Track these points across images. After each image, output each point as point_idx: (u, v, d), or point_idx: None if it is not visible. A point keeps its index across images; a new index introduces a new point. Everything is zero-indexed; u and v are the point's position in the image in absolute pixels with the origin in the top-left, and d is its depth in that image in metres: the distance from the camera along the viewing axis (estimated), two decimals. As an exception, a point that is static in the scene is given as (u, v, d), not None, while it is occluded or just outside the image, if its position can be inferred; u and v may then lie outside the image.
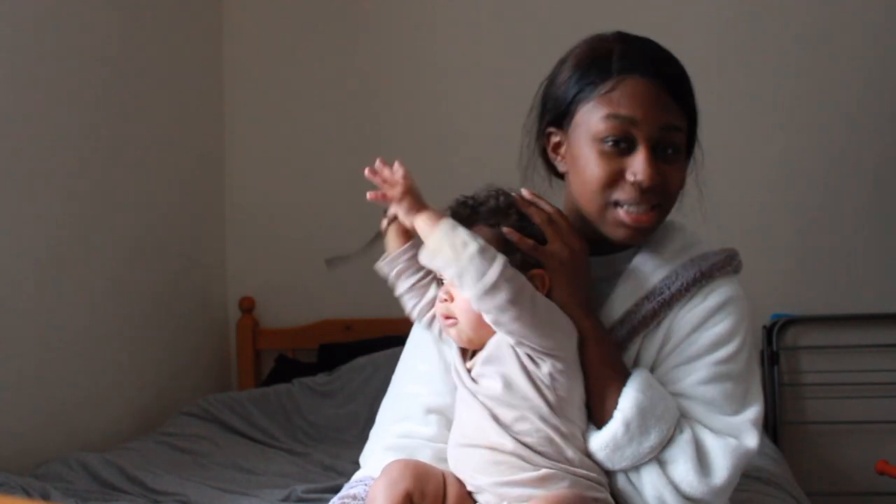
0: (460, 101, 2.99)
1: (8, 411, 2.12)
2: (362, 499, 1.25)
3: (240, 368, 3.10)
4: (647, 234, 1.30)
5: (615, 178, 1.26)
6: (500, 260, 1.15)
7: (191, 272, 2.97)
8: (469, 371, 1.23)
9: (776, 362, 2.78)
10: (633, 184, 1.25)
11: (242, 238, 3.17)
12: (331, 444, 2.50)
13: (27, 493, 1.83)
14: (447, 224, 1.18)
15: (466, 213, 1.24)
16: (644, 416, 1.19)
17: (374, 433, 1.40)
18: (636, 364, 1.28)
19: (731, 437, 1.23)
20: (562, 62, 1.36)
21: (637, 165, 1.24)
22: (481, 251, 1.14)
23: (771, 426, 2.73)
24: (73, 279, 2.37)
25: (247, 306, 3.09)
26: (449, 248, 1.15)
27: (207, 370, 3.04)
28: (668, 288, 1.29)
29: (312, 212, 3.11)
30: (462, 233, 1.16)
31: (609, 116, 1.25)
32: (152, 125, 2.76)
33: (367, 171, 1.25)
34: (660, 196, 1.27)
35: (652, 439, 1.19)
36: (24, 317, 2.19)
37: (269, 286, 3.14)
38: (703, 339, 1.27)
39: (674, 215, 1.36)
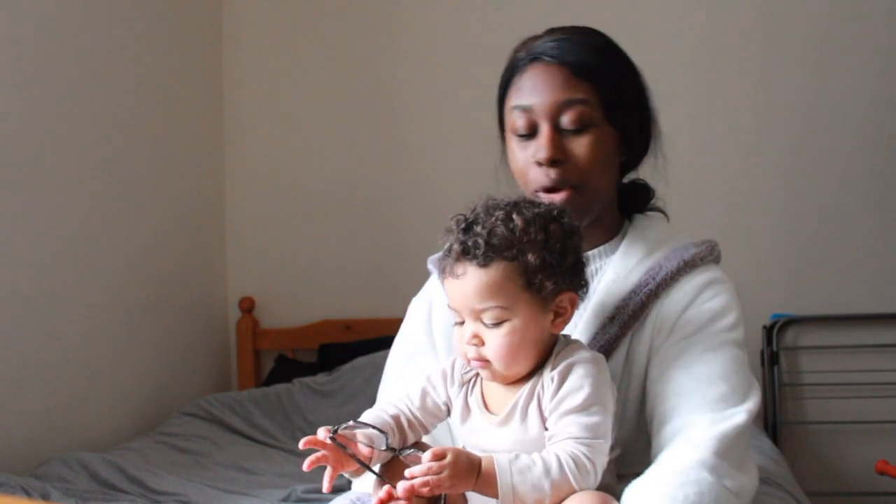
0: (461, 99, 2.98)
1: (8, 411, 2.12)
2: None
3: (240, 368, 3.10)
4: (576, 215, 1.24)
5: (530, 165, 1.30)
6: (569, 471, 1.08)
7: (191, 272, 2.97)
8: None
9: (776, 362, 2.77)
10: (537, 163, 1.28)
11: (242, 238, 3.17)
12: (331, 444, 2.49)
13: (27, 493, 1.83)
14: (506, 488, 1.06)
15: (479, 248, 1.12)
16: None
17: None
18: (629, 358, 1.28)
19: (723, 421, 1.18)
20: None
21: (538, 144, 1.28)
22: (553, 485, 1.07)
23: (771, 426, 2.73)
24: (72, 279, 2.37)
25: (247, 306, 3.09)
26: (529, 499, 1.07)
27: (207, 370, 3.04)
28: (654, 279, 1.29)
29: (312, 212, 3.11)
30: (526, 482, 1.06)
31: (513, 108, 1.31)
32: (152, 125, 2.76)
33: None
34: (572, 172, 1.27)
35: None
36: (23, 316, 2.19)
37: (269, 286, 3.14)
38: (699, 314, 1.26)
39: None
